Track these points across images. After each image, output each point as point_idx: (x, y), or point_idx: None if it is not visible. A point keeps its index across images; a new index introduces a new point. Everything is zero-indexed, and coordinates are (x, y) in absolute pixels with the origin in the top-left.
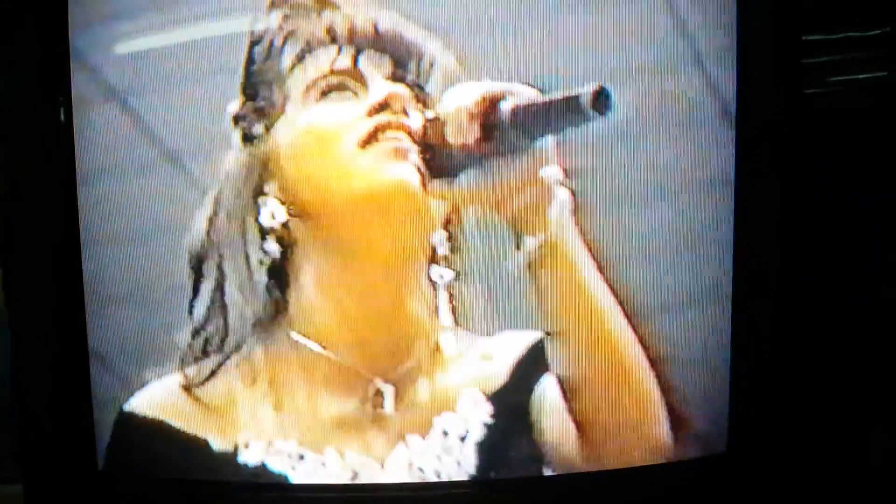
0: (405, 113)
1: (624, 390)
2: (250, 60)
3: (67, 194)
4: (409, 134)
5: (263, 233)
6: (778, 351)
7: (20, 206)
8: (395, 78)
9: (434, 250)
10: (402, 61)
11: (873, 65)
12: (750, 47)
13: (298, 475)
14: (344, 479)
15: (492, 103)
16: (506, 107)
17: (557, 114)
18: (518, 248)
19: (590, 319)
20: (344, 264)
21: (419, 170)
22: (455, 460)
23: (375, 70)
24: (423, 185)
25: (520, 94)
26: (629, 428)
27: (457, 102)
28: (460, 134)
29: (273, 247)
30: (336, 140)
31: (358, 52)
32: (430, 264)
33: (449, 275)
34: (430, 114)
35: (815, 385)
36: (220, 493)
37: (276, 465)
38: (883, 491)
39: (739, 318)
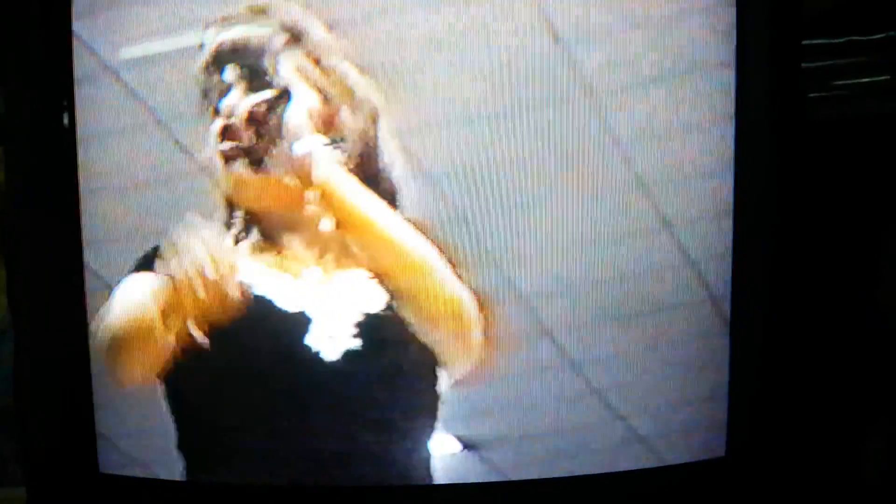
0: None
1: (438, 299)
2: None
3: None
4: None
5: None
6: (777, 354)
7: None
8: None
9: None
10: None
11: (876, 69)
12: (748, 53)
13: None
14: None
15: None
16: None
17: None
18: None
19: (387, 245)
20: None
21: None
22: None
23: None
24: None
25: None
26: (451, 326)
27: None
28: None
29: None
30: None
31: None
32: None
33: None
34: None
35: (812, 388)
36: (218, 494)
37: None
38: (882, 493)
39: (738, 325)
